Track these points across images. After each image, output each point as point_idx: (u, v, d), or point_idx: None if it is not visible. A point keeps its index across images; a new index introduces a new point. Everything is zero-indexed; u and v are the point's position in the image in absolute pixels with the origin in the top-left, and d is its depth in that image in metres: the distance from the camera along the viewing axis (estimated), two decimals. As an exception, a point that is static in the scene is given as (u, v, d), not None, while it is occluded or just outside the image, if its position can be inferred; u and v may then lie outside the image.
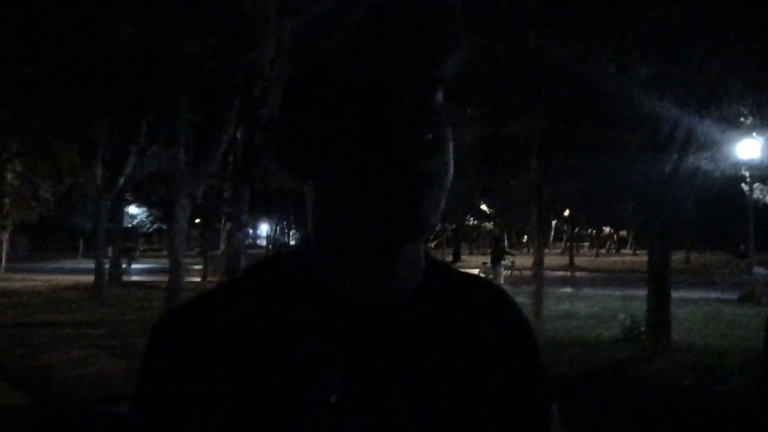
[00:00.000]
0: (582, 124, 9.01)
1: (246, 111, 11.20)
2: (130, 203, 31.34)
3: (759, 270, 20.73)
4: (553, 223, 53.86)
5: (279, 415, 0.64)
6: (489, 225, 54.83)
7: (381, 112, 0.64)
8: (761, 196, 18.73)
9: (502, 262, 20.45)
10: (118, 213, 22.30)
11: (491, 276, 19.50)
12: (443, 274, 0.78)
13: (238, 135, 11.43)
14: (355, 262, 0.70)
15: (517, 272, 20.48)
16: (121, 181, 16.90)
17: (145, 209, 40.96)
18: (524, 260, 20.44)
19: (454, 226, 41.63)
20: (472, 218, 48.19)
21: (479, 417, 0.71)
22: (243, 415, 0.64)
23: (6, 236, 26.09)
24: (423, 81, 0.66)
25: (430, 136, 0.64)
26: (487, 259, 25.43)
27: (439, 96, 0.68)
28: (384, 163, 0.64)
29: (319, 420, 0.64)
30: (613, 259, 44.71)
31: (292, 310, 0.69)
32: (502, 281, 19.19)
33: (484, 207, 41.05)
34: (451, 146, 0.68)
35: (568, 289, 19.83)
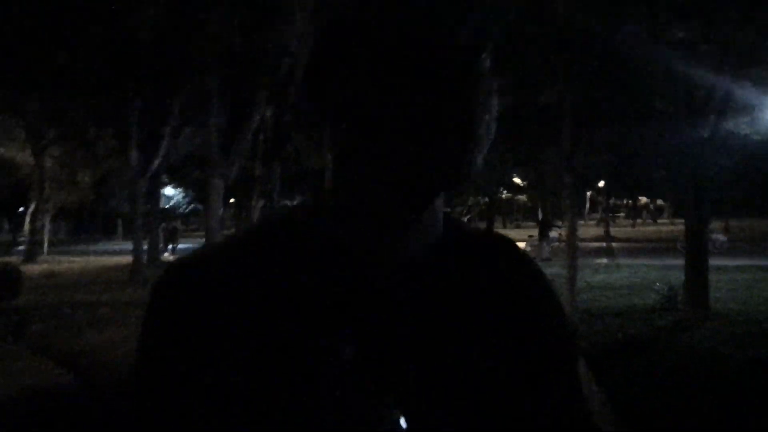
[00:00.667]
0: (615, 91, 8.84)
1: (275, 89, 11.23)
2: (166, 185, 31.80)
3: (717, 237, 20.87)
4: (588, 194, 53.19)
5: (288, 375, 0.63)
6: (522, 198, 54.35)
7: (439, 56, 0.63)
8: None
9: (551, 234, 20.42)
10: (155, 194, 22.65)
11: (538, 248, 19.55)
12: (459, 232, 0.76)
13: (268, 114, 11.49)
14: (380, 216, 0.68)
15: (562, 243, 20.45)
16: (156, 163, 17.14)
17: (180, 190, 41.54)
18: (563, 232, 20.44)
19: (487, 199, 41.37)
20: (504, 191, 47.84)
21: (497, 375, 0.69)
22: (251, 375, 0.63)
23: (47, 220, 26.74)
24: (477, 36, 0.64)
25: (480, 90, 0.64)
26: (528, 231, 25.30)
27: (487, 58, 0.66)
28: (435, 104, 0.62)
29: (330, 380, 0.63)
30: (650, 229, 44.04)
31: (303, 268, 0.67)
32: (547, 254, 19.17)
33: (517, 179, 40.68)
34: (495, 106, 0.67)
35: (604, 260, 19.62)
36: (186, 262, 0.69)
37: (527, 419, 0.71)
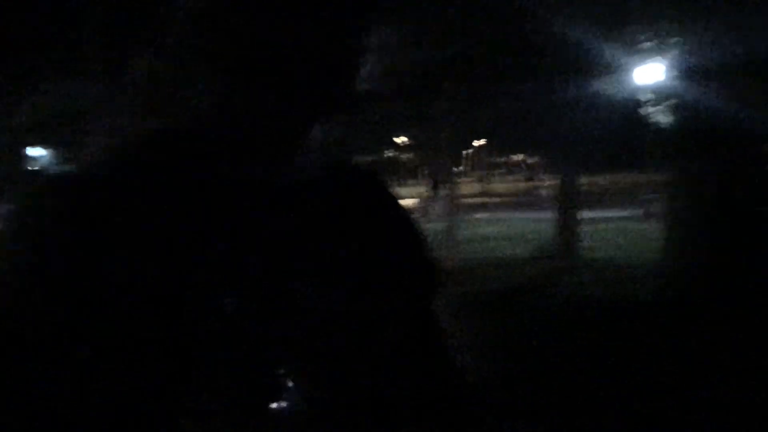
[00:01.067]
0: (495, 49, 9.08)
1: (154, 35, 10.69)
2: (31, 144, 29.64)
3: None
4: (470, 151, 54.56)
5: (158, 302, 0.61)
6: (409, 156, 54.95)
7: None
8: (662, 120, 19.47)
9: (440, 192, 20.84)
10: (16, 154, 21.06)
11: (431, 204, 19.91)
12: (334, 165, 0.77)
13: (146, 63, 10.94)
14: (253, 142, 0.67)
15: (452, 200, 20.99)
16: (21, 118, 15.93)
17: (49, 149, 38.87)
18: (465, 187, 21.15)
19: (371, 159, 41.55)
20: (389, 150, 48.22)
21: (357, 305, 0.70)
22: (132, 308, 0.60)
23: None
24: None
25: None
26: (417, 189, 25.76)
27: None
28: (311, 28, 0.63)
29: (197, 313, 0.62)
30: (528, 184, 45.95)
31: (176, 193, 0.65)
32: (440, 211, 19.59)
33: (403, 138, 41.08)
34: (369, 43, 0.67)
35: (485, 214, 20.34)
36: (62, 175, 0.67)
37: (385, 349, 0.72)
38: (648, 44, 9.81)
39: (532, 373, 4.91)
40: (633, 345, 5.65)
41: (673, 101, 8.12)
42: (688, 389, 4.47)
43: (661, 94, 10.30)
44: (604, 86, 10.00)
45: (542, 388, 4.58)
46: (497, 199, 29.50)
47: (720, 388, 4.40)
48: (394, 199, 0.81)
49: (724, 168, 6.36)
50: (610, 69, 9.72)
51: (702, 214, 6.45)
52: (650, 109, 10.39)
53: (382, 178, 0.82)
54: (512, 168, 58.83)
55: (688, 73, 6.84)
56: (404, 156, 55.14)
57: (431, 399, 0.77)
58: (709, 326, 5.72)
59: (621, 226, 15.09)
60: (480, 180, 47.48)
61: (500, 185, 45.25)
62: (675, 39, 7.86)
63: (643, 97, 11.21)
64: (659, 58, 9.98)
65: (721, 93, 6.39)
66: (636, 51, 9.85)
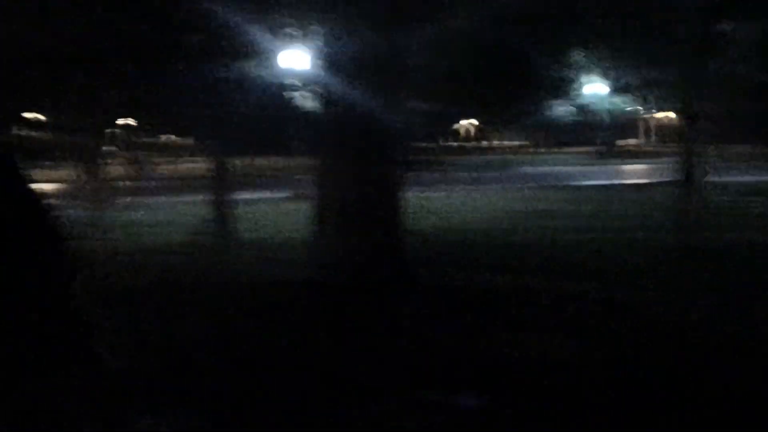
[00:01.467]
0: (134, 25, 8.66)
1: None
2: None
3: None
4: (118, 131, 51.58)
5: None
6: (45, 135, 49.74)
7: None
8: (306, 106, 20.73)
9: (88, 175, 19.28)
10: None
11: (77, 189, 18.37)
12: None
13: None
14: None
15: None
16: None
17: None
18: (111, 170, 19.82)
19: None
20: (20, 128, 43.12)
21: None
22: None
23: None
24: None
25: None
26: (59, 172, 23.53)
27: None
28: None
29: None
30: (182, 167, 45.15)
31: None
32: (87, 195, 18.14)
33: (36, 116, 36.91)
34: None
35: (140, 199, 19.42)
36: None
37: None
38: (294, 31, 10.30)
39: (188, 360, 4.85)
40: (288, 322, 5.92)
41: (316, 89, 8.66)
42: (344, 365, 4.77)
43: (305, 82, 10.92)
44: (254, 71, 10.25)
45: (203, 376, 4.54)
46: (150, 183, 28.32)
47: (362, 362, 4.81)
48: (23, 183, 0.75)
49: (360, 155, 6.91)
50: (258, 54, 10.00)
51: (340, 197, 6.95)
52: (296, 95, 10.96)
53: (9, 159, 0.75)
54: (164, 150, 57.27)
55: (330, 62, 7.26)
56: (40, 135, 49.75)
57: (81, 395, 0.74)
58: (356, 302, 6.24)
59: (274, 208, 15.71)
60: (130, 162, 45.21)
61: (152, 168, 43.61)
62: (319, 28, 8.29)
63: (289, 84, 11.78)
64: (305, 45, 10.56)
65: (360, 84, 6.87)
66: (283, 37, 10.27)
